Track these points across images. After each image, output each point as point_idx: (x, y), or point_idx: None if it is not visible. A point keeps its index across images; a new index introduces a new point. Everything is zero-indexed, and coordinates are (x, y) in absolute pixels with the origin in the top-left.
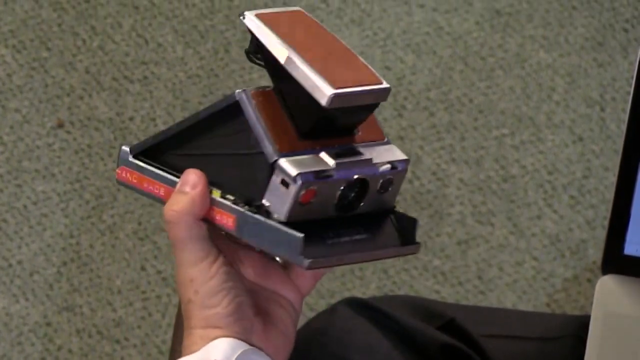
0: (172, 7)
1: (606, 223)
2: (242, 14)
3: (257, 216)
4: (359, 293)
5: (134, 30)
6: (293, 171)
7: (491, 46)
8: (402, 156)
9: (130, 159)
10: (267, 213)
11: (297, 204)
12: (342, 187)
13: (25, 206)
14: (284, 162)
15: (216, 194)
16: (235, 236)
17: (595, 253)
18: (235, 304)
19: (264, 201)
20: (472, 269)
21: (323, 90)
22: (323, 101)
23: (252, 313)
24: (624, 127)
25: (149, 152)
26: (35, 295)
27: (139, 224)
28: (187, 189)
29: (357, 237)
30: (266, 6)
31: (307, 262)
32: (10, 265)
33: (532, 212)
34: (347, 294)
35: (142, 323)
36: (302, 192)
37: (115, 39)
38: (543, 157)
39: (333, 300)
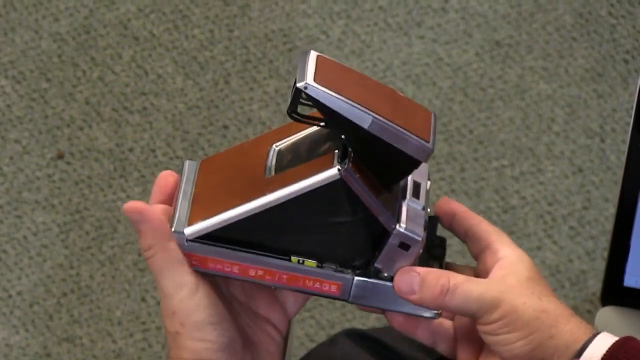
0: (172, 39)
1: (606, 254)
2: (304, 85)
3: (376, 280)
4: (359, 324)
5: (134, 61)
6: (418, 236)
7: (491, 77)
8: None
9: (187, 243)
10: (376, 273)
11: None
12: None
13: (25, 237)
14: (404, 229)
15: (311, 264)
16: (338, 299)
17: (595, 284)
18: (226, 338)
19: (377, 264)
20: None
21: (424, 147)
22: (423, 158)
23: (241, 346)
24: (624, 158)
25: (211, 234)
26: (35, 326)
27: (139, 255)
28: (141, 226)
29: None
30: (266, 37)
31: (435, 313)
32: (10, 296)
33: (532, 242)
34: (347, 325)
35: (142, 354)
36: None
37: (115, 70)
38: (543, 188)
39: (333, 331)
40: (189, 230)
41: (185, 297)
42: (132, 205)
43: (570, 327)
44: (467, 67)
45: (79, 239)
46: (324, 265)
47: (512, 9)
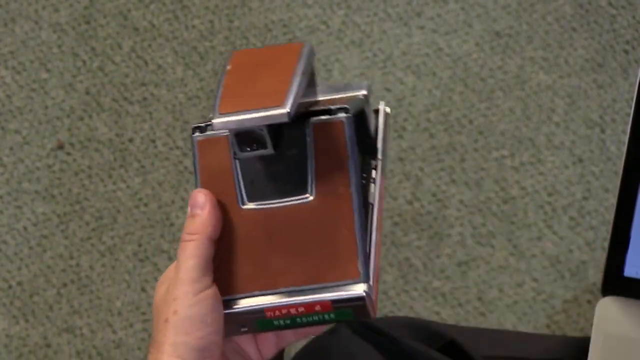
0: (172, 29)
1: (606, 245)
2: (286, 114)
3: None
4: None
5: (134, 51)
6: (365, 86)
7: (491, 67)
8: None
9: None
10: None
11: None
12: None
13: (25, 227)
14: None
15: None
16: None
17: (595, 274)
18: (207, 340)
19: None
20: (472, 290)
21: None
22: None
23: (218, 357)
24: (624, 148)
25: None
26: (35, 317)
27: (139, 245)
28: (198, 211)
29: None
30: (266, 27)
31: None
32: (10, 287)
33: (532, 233)
34: None
35: (142, 345)
36: None
37: (115, 60)
38: (543, 179)
39: None
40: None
41: (195, 289)
42: (205, 191)
43: None
44: (467, 57)
45: (79, 229)
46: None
47: (512, 0)
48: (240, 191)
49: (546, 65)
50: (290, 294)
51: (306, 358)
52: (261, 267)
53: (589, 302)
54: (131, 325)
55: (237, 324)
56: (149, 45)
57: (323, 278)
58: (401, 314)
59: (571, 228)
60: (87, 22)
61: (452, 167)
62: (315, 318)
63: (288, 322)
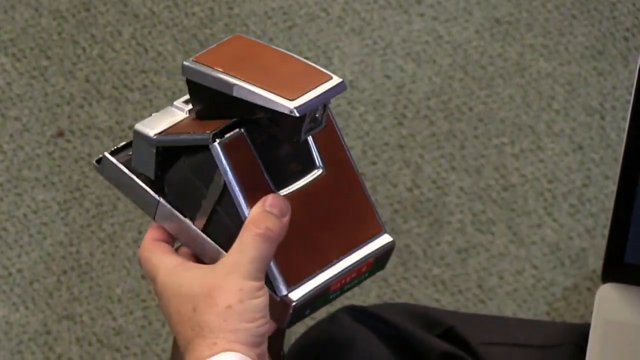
0: (172, 16)
1: (606, 232)
2: (292, 109)
3: None
4: (359, 301)
5: (134, 38)
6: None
7: (491, 55)
8: None
9: None
10: None
11: None
12: None
13: (25, 215)
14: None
15: None
16: None
17: (595, 262)
18: (265, 328)
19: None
20: (472, 278)
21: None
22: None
23: (265, 347)
24: (624, 135)
25: None
26: (35, 304)
27: (139, 232)
28: (278, 213)
29: None
30: (266, 15)
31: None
32: (10, 274)
33: (532, 220)
34: (347, 302)
35: (142, 332)
36: None
37: (115, 47)
38: (543, 166)
39: (333, 309)
40: None
41: (258, 286)
42: (285, 199)
43: None
44: (467, 44)
45: (79, 216)
46: None
47: None
48: (269, 183)
49: (546, 53)
50: (341, 263)
51: (306, 345)
52: (313, 247)
53: (589, 289)
54: (131, 313)
55: (303, 309)
56: (149, 33)
57: (358, 240)
58: (401, 301)
59: (571, 215)
60: (87, 10)
61: (452, 154)
62: (356, 280)
63: (338, 292)
